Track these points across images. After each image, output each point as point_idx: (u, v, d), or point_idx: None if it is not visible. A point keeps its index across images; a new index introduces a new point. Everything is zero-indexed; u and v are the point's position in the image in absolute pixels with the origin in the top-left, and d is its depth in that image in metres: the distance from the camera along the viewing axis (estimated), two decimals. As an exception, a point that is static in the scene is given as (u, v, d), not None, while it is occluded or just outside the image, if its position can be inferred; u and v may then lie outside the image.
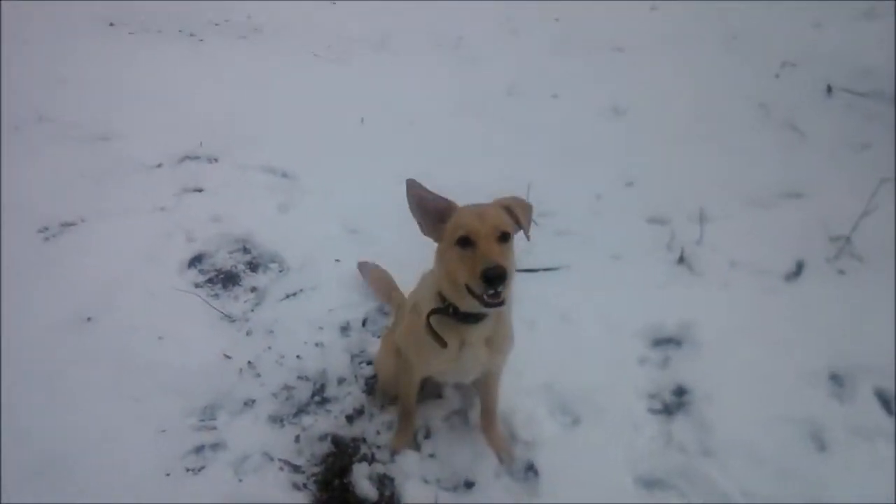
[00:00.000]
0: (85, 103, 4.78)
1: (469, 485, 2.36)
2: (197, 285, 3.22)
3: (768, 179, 4.08)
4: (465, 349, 2.10)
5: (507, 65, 5.70)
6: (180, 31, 6.14)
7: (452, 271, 1.92)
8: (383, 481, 2.37)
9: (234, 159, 4.24)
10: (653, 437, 2.55)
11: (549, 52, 5.97)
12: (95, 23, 6.10)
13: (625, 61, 5.78)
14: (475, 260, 1.83)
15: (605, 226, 3.72)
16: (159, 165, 4.14)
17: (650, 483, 2.38)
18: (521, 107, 5.07)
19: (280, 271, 3.35)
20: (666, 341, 2.97)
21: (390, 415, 2.59)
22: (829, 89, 5.01)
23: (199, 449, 2.44)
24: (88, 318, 2.95)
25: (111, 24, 6.13)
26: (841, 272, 3.36)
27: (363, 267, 3.19)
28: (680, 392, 2.73)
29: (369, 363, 2.82)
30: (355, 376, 2.77)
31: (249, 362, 2.80)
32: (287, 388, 2.71)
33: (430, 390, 2.64)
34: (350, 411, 2.63)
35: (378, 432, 2.55)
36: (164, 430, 2.49)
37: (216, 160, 4.25)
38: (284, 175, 4.11)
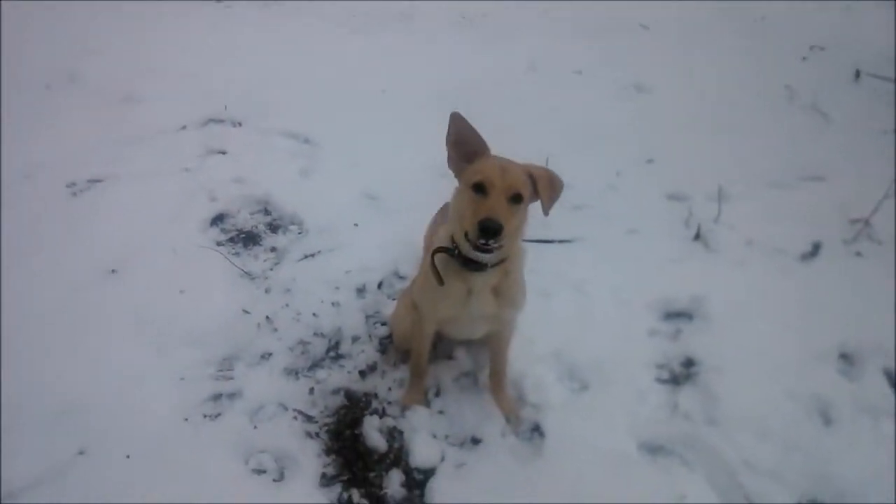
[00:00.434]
0: (113, 66, 4.88)
1: (476, 441, 2.41)
2: (219, 243, 3.29)
3: (790, 162, 4.06)
4: (472, 297, 2.15)
5: (530, 41, 5.67)
6: (208, -3, 6.19)
7: (460, 210, 1.98)
8: (393, 434, 2.44)
9: (258, 124, 4.30)
10: (659, 406, 2.58)
11: (574, 29, 5.93)
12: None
13: (650, 40, 5.75)
14: (480, 207, 1.88)
15: (624, 201, 3.73)
16: (184, 127, 4.21)
17: (654, 449, 2.42)
18: (544, 82, 5.06)
19: (299, 233, 3.40)
20: (677, 315, 2.99)
21: (402, 372, 2.65)
22: (858, 74, 4.94)
23: (216, 397, 2.52)
24: (113, 271, 3.03)
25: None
26: (858, 254, 3.35)
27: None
28: (688, 364, 2.75)
29: (384, 324, 2.87)
30: (369, 335, 2.83)
31: (267, 317, 2.87)
32: (303, 343, 2.77)
33: (443, 350, 2.70)
34: (363, 367, 2.69)
35: (390, 388, 2.61)
36: (183, 378, 2.57)
37: (240, 124, 4.32)
38: (307, 141, 4.16)
